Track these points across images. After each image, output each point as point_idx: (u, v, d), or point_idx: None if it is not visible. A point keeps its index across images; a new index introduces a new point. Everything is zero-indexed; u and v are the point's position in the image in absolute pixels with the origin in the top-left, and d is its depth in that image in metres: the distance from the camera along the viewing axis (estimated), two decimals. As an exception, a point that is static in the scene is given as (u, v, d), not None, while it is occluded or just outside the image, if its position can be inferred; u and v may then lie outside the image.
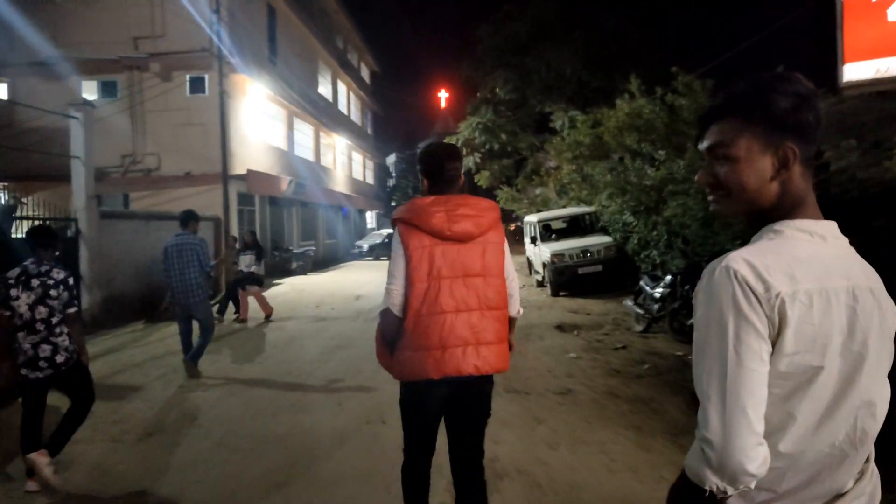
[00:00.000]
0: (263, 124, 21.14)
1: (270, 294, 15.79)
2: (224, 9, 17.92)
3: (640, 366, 6.86)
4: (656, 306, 9.13)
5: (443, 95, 51.57)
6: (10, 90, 18.53)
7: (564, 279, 13.89)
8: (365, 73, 40.14)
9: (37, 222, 9.82)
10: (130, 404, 6.06)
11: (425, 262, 2.52)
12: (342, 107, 33.23)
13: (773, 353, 1.13)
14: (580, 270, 13.80)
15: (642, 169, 13.72)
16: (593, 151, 17.62)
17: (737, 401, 1.09)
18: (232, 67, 17.88)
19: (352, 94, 35.47)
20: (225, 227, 16.28)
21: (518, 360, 7.41)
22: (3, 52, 17.43)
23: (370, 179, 41.64)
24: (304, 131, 26.30)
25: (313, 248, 22.85)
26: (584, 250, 13.92)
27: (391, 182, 59.81)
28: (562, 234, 15.38)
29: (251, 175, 18.34)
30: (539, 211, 24.61)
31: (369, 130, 41.12)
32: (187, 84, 18.48)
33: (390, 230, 27.36)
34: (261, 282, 12.24)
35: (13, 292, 3.90)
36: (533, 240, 15.43)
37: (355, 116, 36.62)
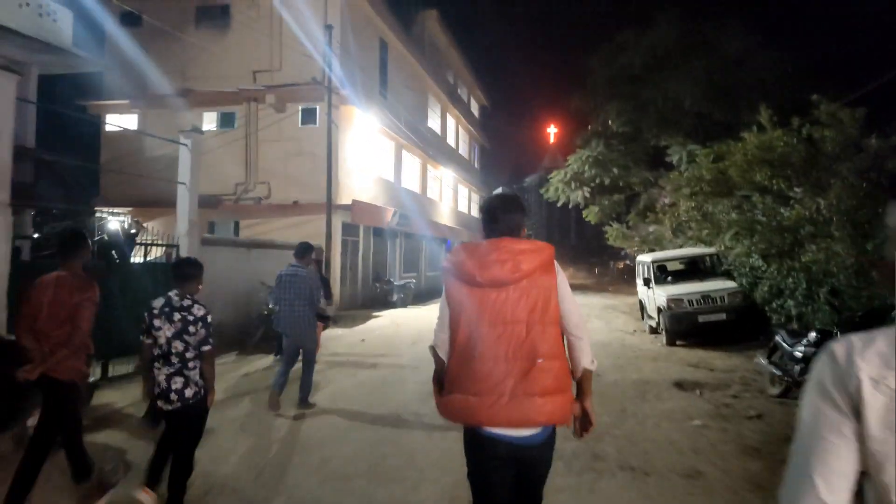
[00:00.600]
0: (371, 155, 21.29)
1: (367, 328, 15.52)
2: (337, 42, 18.27)
3: (786, 444, 5.69)
4: (798, 367, 7.82)
5: (551, 130, 50.94)
6: (141, 121, 19.76)
7: (683, 327, 12.59)
8: (474, 107, 40.25)
9: (145, 247, 9.98)
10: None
11: (462, 309, 2.50)
12: (450, 140, 33.29)
13: (860, 432, 1.12)
14: (700, 318, 12.45)
15: (774, 208, 12.29)
16: (715, 188, 16.21)
17: (805, 467, 1.15)
18: (342, 99, 18.13)
19: (460, 128, 35.53)
20: (327, 256, 16.24)
21: (634, 425, 6.44)
22: (135, 86, 18.61)
23: (475, 213, 41.38)
24: (412, 163, 26.38)
25: (414, 280, 22.60)
26: (706, 296, 12.58)
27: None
28: (679, 277, 14.07)
29: (356, 205, 18.36)
30: (653, 250, 23.18)
31: (476, 164, 41.02)
32: (299, 115, 18.92)
33: None
34: (325, 319, 11.57)
35: (156, 322, 3.95)
36: (646, 281, 14.22)
37: (463, 150, 36.61)
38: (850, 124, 10.05)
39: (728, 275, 13.63)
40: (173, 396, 3.91)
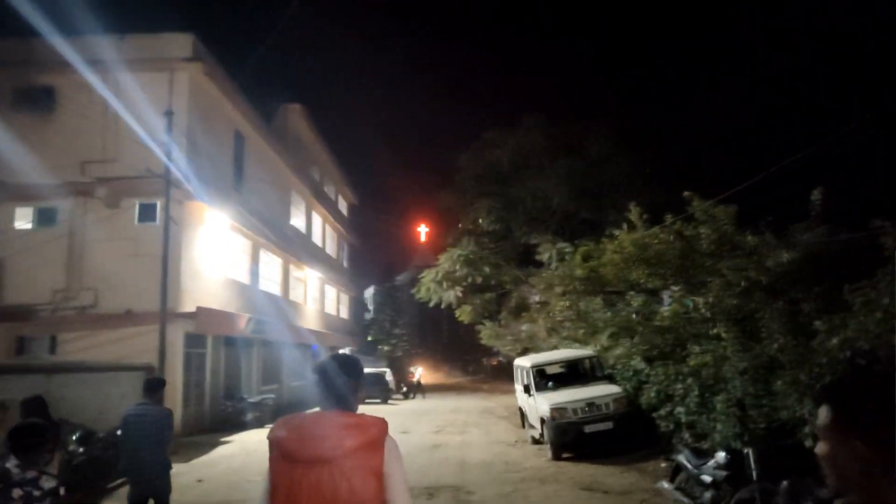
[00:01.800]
0: (222, 256, 19.18)
1: (210, 460, 12.99)
2: (182, 131, 16.53)
3: None
4: (708, 495, 6.74)
5: (422, 230, 50.89)
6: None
7: (568, 439, 11.44)
8: (342, 205, 39.20)
9: None
10: None
11: (280, 487, 2.22)
12: (316, 238, 31.71)
13: None
14: (587, 428, 11.38)
15: (648, 305, 11.78)
16: (587, 286, 15.77)
17: None
18: (186, 194, 16.18)
19: (327, 226, 34.13)
20: (161, 374, 13.70)
21: None
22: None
23: (344, 314, 39.39)
24: (271, 264, 24.38)
25: (273, 395, 20.08)
26: (590, 403, 11.60)
27: (369, 315, 57.66)
28: (560, 382, 13.05)
29: (201, 313, 16.06)
30: (526, 349, 22.41)
31: (345, 263, 39.49)
32: (136, 211, 16.63)
33: (367, 368, 25.09)
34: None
35: None
36: (526, 389, 13.08)
37: (330, 248, 35.07)
38: (725, 220, 9.77)
39: (610, 378, 12.83)
40: None
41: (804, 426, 6.47)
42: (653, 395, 10.49)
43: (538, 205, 20.24)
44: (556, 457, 11.52)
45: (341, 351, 4.29)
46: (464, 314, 25.62)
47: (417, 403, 28.57)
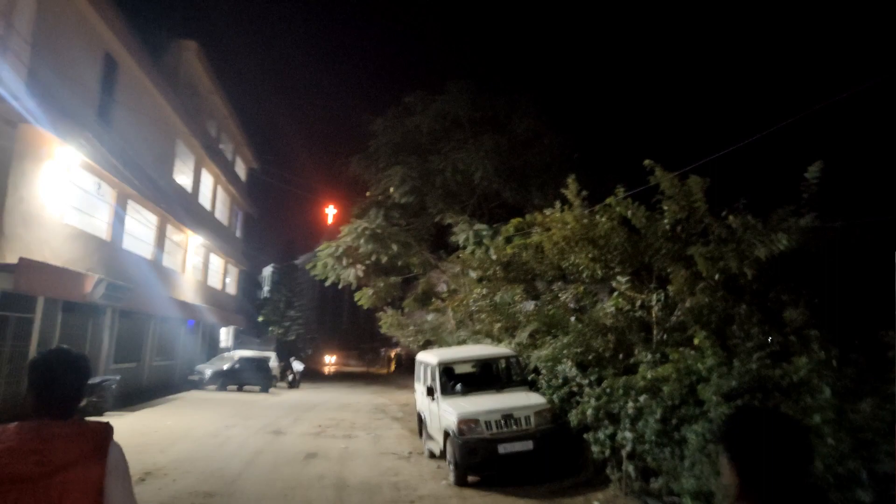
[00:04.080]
0: (73, 202, 15.59)
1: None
2: (24, 40, 12.96)
3: None
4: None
5: (330, 211, 47.72)
6: None
7: (478, 460, 9.11)
8: (240, 168, 35.38)
9: None
10: None
11: None
12: (204, 201, 27.99)
13: None
14: (501, 448, 9.11)
15: (589, 297, 9.71)
16: (508, 272, 13.63)
17: None
18: (18, 115, 12.61)
19: (220, 188, 30.40)
20: None
21: None
22: None
23: (232, 289, 35.63)
24: (143, 221, 20.73)
25: (120, 376, 16.60)
26: (507, 416, 9.35)
27: (263, 294, 53.64)
28: (470, 385, 10.71)
29: (25, 266, 12.57)
30: (429, 342, 20.07)
31: (238, 233, 35.70)
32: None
33: (248, 352, 21.09)
34: None
35: None
36: (429, 391, 10.65)
37: (221, 214, 31.34)
38: (696, 195, 7.72)
39: (530, 385, 10.67)
40: None
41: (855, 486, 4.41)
42: (589, 411, 8.34)
43: (458, 178, 17.89)
44: (460, 481, 9.17)
45: (63, 346, 2.22)
46: (364, 298, 22.96)
47: (302, 395, 25.66)
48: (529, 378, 10.79)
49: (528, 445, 9.13)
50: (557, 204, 10.72)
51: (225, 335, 35.03)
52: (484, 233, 17.02)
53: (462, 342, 16.11)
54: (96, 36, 16.39)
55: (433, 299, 21.77)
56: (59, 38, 14.41)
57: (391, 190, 19.09)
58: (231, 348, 32.70)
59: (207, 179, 28.26)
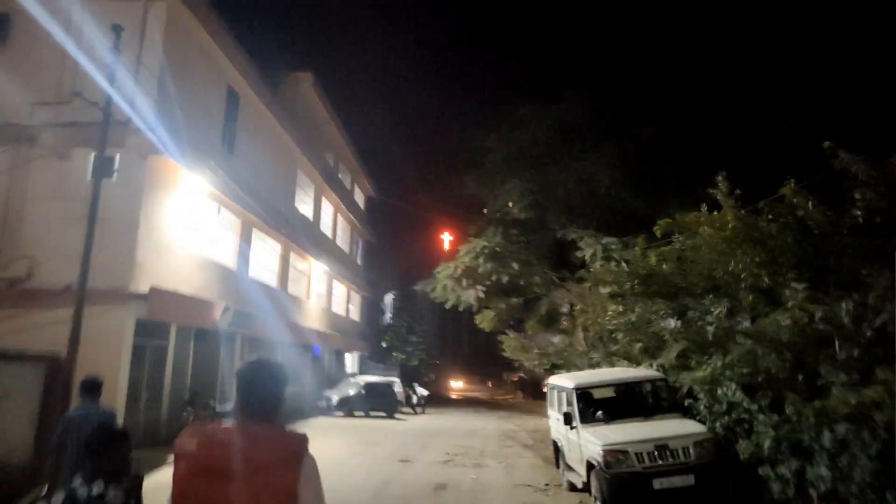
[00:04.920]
0: (201, 231, 16.01)
1: (159, 480, 9.65)
2: (153, 75, 13.45)
3: None
4: None
5: (446, 238, 47.81)
6: None
7: (629, 497, 7.89)
8: (358, 197, 36.00)
9: None
10: None
11: (183, 496, 2.15)
12: (325, 228, 28.49)
13: None
14: (656, 483, 7.83)
15: (762, 308, 8.21)
16: (647, 287, 12.22)
17: None
18: (153, 147, 13.01)
19: (339, 216, 30.92)
20: (68, 370, 10.43)
21: None
22: None
23: (355, 315, 36.05)
24: (268, 250, 21.18)
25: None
26: (661, 446, 8.06)
27: (386, 320, 54.27)
28: (613, 412, 9.48)
29: (156, 295, 12.82)
30: (554, 367, 18.83)
31: (359, 260, 36.21)
32: (90, 164, 13.47)
33: (373, 378, 20.68)
34: None
35: None
36: (567, 418, 9.51)
37: (342, 242, 31.84)
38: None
39: (682, 410, 9.28)
40: None
41: None
42: (767, 443, 6.88)
43: (581, 190, 16.72)
44: (610, 520, 7.98)
45: (261, 357, 2.39)
46: (484, 321, 22.16)
47: (427, 421, 25.07)
48: (683, 403, 9.41)
49: (688, 480, 7.82)
50: (704, 207, 9.37)
51: (350, 361, 35.42)
52: (613, 246, 15.70)
53: (595, 365, 14.81)
54: (219, 70, 16.93)
55: (558, 320, 20.57)
56: (184, 73, 14.89)
57: (510, 205, 18.22)
58: (356, 374, 32.90)
59: (328, 208, 28.77)
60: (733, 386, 8.23)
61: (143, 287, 12.84)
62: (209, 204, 16.38)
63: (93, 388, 5.86)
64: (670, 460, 7.97)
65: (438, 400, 42.45)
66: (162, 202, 14.06)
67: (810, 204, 7.15)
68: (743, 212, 8.62)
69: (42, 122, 13.54)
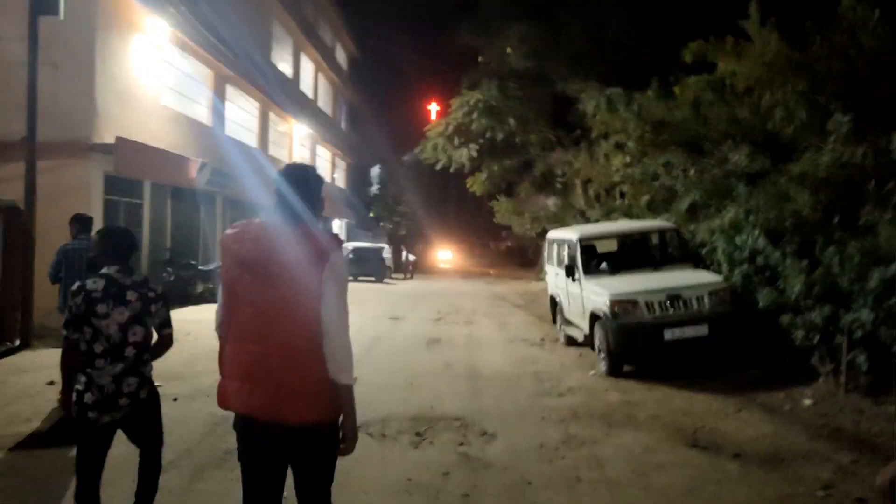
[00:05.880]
0: (171, 83, 14.62)
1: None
2: None
3: None
4: None
5: (433, 108, 45.83)
6: None
7: (638, 347, 7.48)
8: (341, 56, 33.77)
9: None
10: None
11: (228, 289, 2.32)
12: (306, 88, 26.78)
13: None
14: (668, 334, 7.37)
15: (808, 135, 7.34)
16: (658, 135, 11.29)
17: None
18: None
19: (321, 76, 29.06)
20: (28, 220, 9.58)
21: None
22: None
23: (341, 183, 35.07)
24: (245, 107, 19.79)
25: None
26: (674, 295, 7.52)
27: (373, 191, 53.32)
28: (620, 265, 8.89)
29: (123, 146, 11.74)
30: (545, 231, 18.30)
31: (343, 124, 34.64)
32: (29, -1, 11.84)
33: (362, 243, 20.91)
34: None
35: (100, 308, 2.98)
36: (569, 271, 8.92)
37: (324, 103, 30.18)
38: None
39: (695, 260, 8.72)
40: (123, 401, 3.02)
41: None
42: (797, 287, 6.32)
43: (587, 36, 15.22)
44: (614, 371, 7.59)
45: (300, 163, 2.48)
46: (476, 184, 21.30)
47: (416, 284, 24.94)
48: (692, 253, 8.86)
49: (702, 330, 7.36)
50: (729, 39, 8.26)
51: (337, 228, 34.88)
52: (617, 97, 14.53)
53: (596, 221, 14.22)
54: None
55: (553, 183, 19.79)
56: None
57: (508, 50, 16.73)
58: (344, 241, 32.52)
59: (308, 66, 26.90)
60: (756, 232, 7.59)
61: (108, 138, 11.73)
62: (175, 51, 14.85)
63: (87, 221, 6.15)
64: (683, 310, 7.47)
65: (426, 269, 42.68)
66: (121, 46, 12.64)
67: (876, 15, 6.09)
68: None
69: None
